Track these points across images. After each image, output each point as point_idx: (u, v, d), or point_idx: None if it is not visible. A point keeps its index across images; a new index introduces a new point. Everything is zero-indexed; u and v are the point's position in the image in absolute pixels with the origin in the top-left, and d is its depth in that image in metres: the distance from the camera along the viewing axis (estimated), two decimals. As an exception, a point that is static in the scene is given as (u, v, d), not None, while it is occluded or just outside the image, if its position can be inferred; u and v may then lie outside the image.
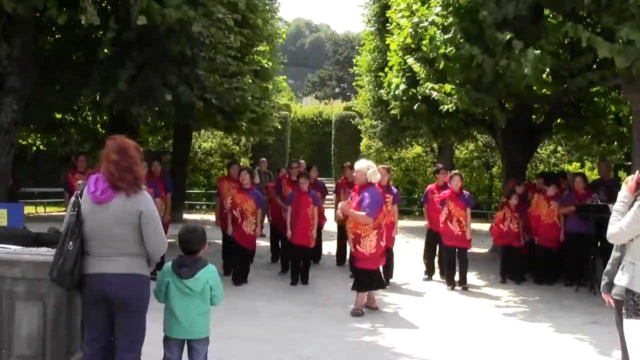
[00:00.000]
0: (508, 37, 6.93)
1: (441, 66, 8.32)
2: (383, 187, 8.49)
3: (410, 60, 10.14)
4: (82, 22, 7.04)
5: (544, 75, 8.23)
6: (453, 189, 8.50)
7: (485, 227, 13.92)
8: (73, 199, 3.58)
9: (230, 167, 9.90)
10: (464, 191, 8.80)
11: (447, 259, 8.65)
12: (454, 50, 7.66)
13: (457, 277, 8.62)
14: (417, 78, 10.28)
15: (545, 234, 9.01)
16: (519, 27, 7.22)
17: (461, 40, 7.57)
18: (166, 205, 8.85)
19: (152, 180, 8.63)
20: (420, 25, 8.57)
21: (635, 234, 3.65)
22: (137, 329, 3.60)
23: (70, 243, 3.46)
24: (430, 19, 8.33)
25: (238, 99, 11.16)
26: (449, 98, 8.94)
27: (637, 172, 3.83)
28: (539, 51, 6.68)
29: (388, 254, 8.61)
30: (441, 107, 9.34)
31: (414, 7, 9.37)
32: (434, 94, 9.19)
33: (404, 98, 11.05)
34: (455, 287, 8.51)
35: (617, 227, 3.69)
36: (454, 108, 9.08)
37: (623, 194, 3.81)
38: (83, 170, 9.36)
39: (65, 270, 3.45)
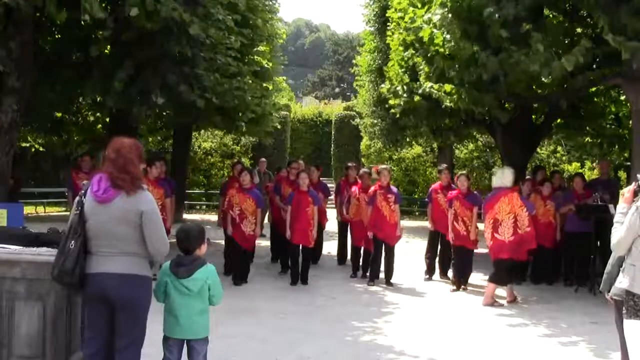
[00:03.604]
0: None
1: (440, 65, 8.31)
2: (384, 188, 8.52)
3: (409, 54, 10.15)
4: (83, 20, 7.01)
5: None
6: (460, 189, 8.52)
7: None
8: (77, 198, 3.61)
9: (234, 168, 10.00)
10: (473, 192, 8.83)
11: (456, 259, 8.63)
12: (455, 48, 7.65)
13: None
14: (418, 74, 10.28)
15: (540, 233, 9.00)
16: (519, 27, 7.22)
17: (461, 41, 7.56)
18: (167, 209, 8.37)
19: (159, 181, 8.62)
20: (424, 19, 8.57)
21: (636, 236, 3.66)
22: (136, 330, 3.60)
23: (72, 242, 3.48)
24: (427, 17, 8.34)
25: (237, 100, 11.17)
26: (449, 97, 8.94)
27: (633, 183, 3.92)
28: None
29: (389, 253, 8.66)
30: (443, 105, 9.33)
31: (411, 9, 9.38)
32: (434, 92, 9.18)
33: (405, 94, 11.05)
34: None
35: (617, 236, 3.74)
36: (456, 106, 9.07)
37: (621, 205, 3.89)
38: (87, 170, 9.40)
39: (65, 269, 3.46)
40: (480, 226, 8.21)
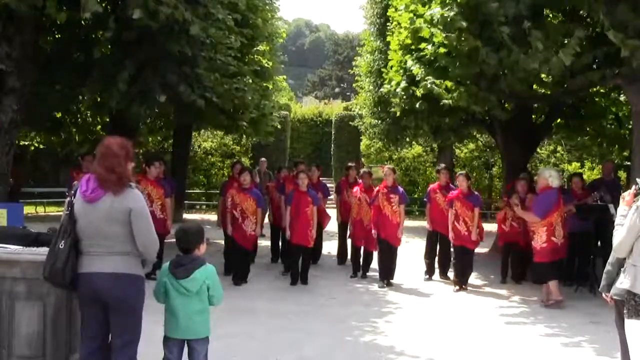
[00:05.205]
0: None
1: (442, 64, 8.30)
2: (388, 188, 8.50)
3: (410, 63, 10.12)
4: (82, 17, 7.00)
5: (544, 75, 8.21)
6: (460, 189, 8.52)
7: (484, 227, 13.90)
8: (68, 199, 3.62)
9: (234, 167, 10.00)
10: (474, 192, 8.83)
11: (456, 259, 8.63)
12: (457, 45, 7.64)
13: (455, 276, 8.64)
14: (417, 79, 10.26)
15: None
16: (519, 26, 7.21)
17: (463, 38, 7.55)
18: (167, 208, 8.42)
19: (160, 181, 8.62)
20: (422, 21, 8.56)
21: (637, 236, 3.67)
22: (131, 329, 3.59)
23: (62, 242, 3.49)
24: (429, 12, 8.32)
25: (237, 100, 11.16)
26: (449, 94, 8.92)
27: (633, 186, 3.97)
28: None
29: (392, 253, 8.64)
30: (442, 102, 9.31)
31: (412, 7, 9.36)
32: (435, 88, 9.16)
33: (404, 96, 11.04)
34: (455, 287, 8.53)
35: (619, 237, 3.77)
36: (455, 104, 9.04)
37: (622, 208, 3.93)
38: (87, 170, 9.39)
39: (56, 268, 3.47)
40: (484, 226, 8.21)
